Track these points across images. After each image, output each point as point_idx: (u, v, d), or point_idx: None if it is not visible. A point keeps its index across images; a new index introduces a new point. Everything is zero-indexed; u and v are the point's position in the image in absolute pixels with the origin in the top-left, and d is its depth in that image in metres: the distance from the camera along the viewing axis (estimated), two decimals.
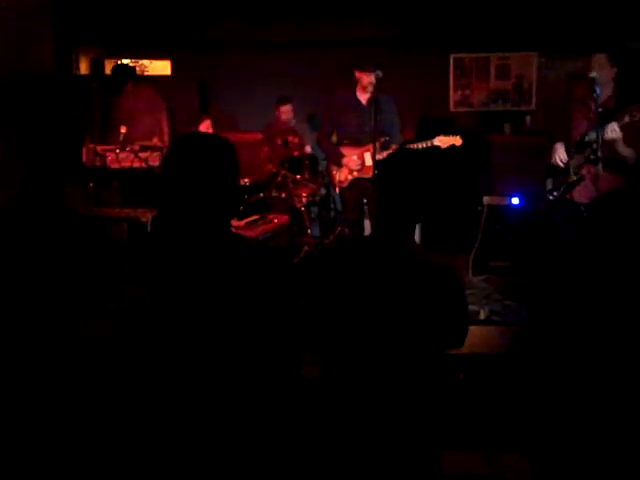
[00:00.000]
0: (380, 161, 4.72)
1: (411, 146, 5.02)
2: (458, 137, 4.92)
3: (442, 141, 4.91)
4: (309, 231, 5.88)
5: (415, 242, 2.20)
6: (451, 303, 2.11)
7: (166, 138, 5.75)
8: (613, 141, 3.94)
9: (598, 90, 4.01)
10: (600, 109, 4.03)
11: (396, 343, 2.06)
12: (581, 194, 4.23)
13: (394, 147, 5.03)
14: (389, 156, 2.47)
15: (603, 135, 3.94)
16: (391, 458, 2.03)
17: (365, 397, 2.06)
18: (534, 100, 7.65)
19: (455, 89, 7.74)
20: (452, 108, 7.74)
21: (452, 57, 7.67)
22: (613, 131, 3.91)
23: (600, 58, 4.15)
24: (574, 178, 4.23)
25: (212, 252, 1.79)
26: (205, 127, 5.32)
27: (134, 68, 6.36)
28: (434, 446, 2.07)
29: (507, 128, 7.49)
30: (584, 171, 4.20)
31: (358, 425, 2.06)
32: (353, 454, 2.05)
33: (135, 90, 5.87)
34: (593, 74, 4.05)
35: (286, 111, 6.48)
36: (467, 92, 7.73)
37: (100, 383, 1.66)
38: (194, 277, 1.75)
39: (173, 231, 1.81)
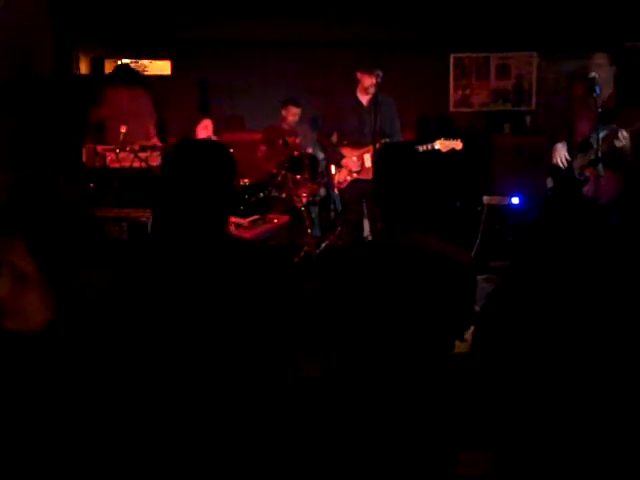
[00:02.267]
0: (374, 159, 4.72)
1: None
2: (459, 141, 4.93)
3: (443, 145, 4.92)
4: (309, 231, 5.87)
5: (425, 235, 2.18)
6: (460, 294, 2.12)
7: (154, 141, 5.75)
8: (623, 147, 3.97)
9: (598, 90, 4.01)
10: (600, 109, 4.03)
11: (409, 339, 2.06)
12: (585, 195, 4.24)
13: None
14: (381, 153, 2.46)
15: (614, 143, 3.96)
16: (401, 458, 2.02)
17: (377, 394, 2.06)
18: (534, 100, 7.64)
19: (455, 89, 7.74)
20: (452, 108, 7.73)
21: (452, 57, 7.67)
22: (623, 138, 3.93)
23: (600, 57, 4.15)
24: (579, 179, 4.24)
25: (209, 254, 1.80)
26: (203, 127, 5.31)
27: (137, 72, 6.34)
28: (448, 446, 2.06)
29: (507, 128, 7.48)
30: (587, 172, 4.21)
31: (367, 424, 2.05)
32: (361, 453, 2.05)
33: (131, 92, 5.84)
34: (592, 74, 4.05)
35: (294, 113, 6.47)
36: (467, 92, 7.72)
37: (96, 384, 1.66)
38: (191, 278, 1.75)
39: (171, 234, 1.81)
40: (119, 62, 7.05)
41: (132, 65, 6.51)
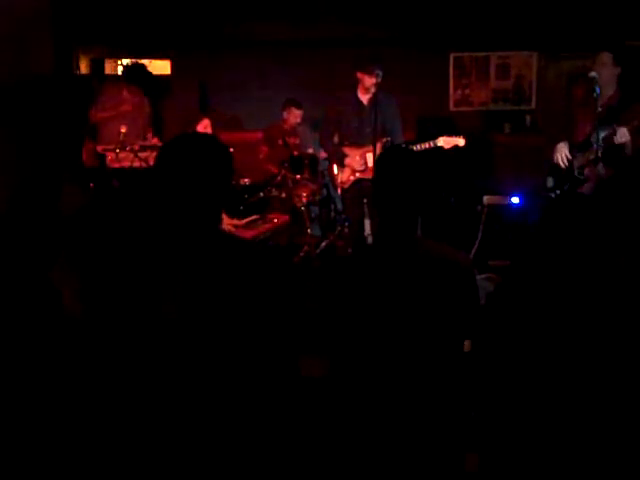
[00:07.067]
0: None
1: (414, 146, 5.00)
2: (461, 138, 4.92)
3: (445, 141, 4.91)
4: (309, 231, 5.87)
5: (424, 239, 2.19)
6: (462, 297, 2.12)
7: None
8: (623, 144, 3.96)
9: (598, 90, 4.01)
10: (601, 108, 4.03)
11: (413, 342, 2.05)
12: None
13: None
14: (380, 156, 2.46)
15: (614, 140, 3.96)
16: (404, 460, 2.02)
17: (382, 396, 2.06)
18: (534, 100, 7.65)
19: (455, 89, 7.74)
20: (452, 108, 7.74)
21: (452, 57, 7.67)
22: (623, 136, 3.93)
23: (604, 57, 4.14)
24: (579, 178, 4.24)
25: (202, 250, 1.79)
26: (203, 126, 5.28)
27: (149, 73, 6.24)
28: (457, 446, 2.05)
29: (507, 128, 7.48)
30: (587, 171, 4.20)
31: (373, 423, 2.05)
32: (363, 454, 2.05)
33: (131, 92, 5.82)
34: (592, 74, 4.04)
35: (296, 115, 6.46)
36: (467, 92, 7.73)
37: (94, 385, 1.66)
38: (184, 276, 1.74)
39: (162, 229, 1.80)
40: (125, 62, 7.01)
41: (146, 66, 6.40)
